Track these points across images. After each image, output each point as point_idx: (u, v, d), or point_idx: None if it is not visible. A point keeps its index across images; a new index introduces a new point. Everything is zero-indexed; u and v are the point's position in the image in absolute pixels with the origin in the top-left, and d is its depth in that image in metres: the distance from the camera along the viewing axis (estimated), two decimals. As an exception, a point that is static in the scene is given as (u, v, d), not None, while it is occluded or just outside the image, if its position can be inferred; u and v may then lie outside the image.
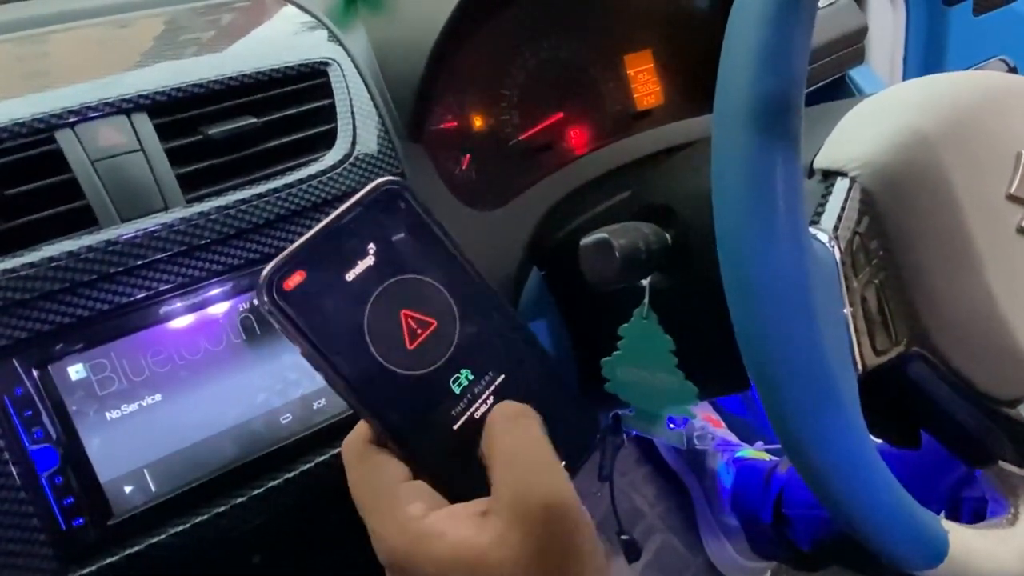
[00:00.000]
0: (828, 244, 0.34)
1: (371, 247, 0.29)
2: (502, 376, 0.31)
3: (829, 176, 0.38)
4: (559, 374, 0.32)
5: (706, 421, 1.10)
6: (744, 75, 0.30)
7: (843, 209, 0.36)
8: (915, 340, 0.37)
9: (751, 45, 0.29)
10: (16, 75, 0.54)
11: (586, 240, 0.44)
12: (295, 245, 0.28)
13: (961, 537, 0.35)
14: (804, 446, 0.31)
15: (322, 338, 0.28)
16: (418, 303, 0.30)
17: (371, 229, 0.30)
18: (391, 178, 0.30)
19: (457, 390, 0.30)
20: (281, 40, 0.57)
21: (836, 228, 0.35)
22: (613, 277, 0.43)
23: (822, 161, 0.38)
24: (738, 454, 1.06)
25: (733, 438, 1.09)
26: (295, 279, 0.28)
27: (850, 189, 0.36)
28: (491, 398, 0.30)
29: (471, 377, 0.30)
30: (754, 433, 1.11)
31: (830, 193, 0.37)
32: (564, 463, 0.30)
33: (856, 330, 0.34)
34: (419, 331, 0.29)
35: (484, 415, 0.30)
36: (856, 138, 0.38)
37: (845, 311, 0.34)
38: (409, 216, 0.30)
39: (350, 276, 0.29)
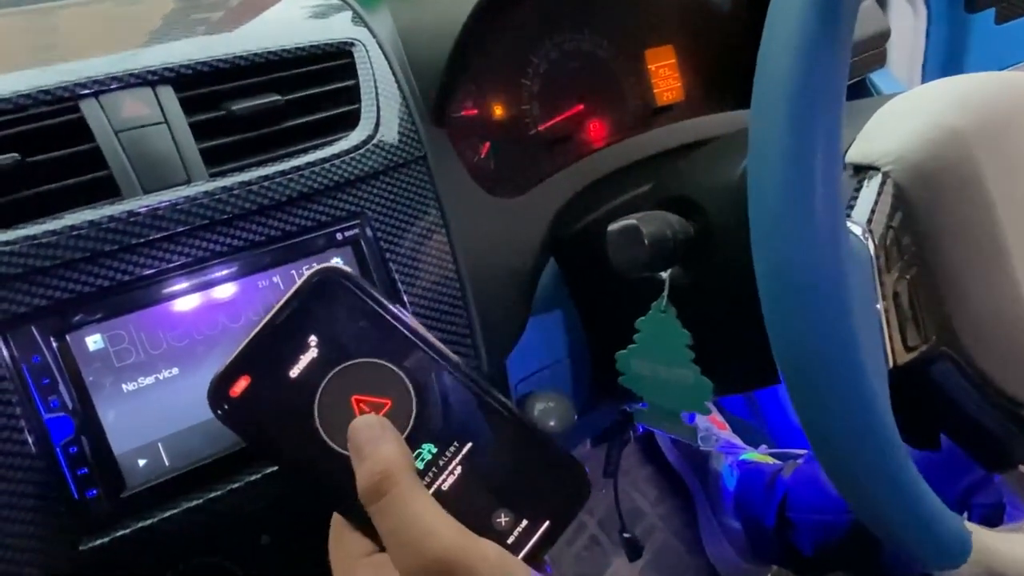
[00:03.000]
0: (862, 237, 0.34)
1: (312, 339, 0.29)
2: (469, 444, 0.30)
3: (861, 171, 0.38)
4: (537, 430, 0.31)
5: (711, 423, 1.10)
6: (786, 64, 0.29)
7: (876, 203, 0.35)
8: (943, 338, 0.36)
9: (793, 35, 0.29)
10: (27, 47, 0.53)
11: (614, 226, 0.43)
12: (237, 350, 0.29)
13: (983, 539, 0.35)
14: (832, 441, 0.31)
15: (275, 438, 0.29)
16: (368, 386, 0.30)
17: (310, 321, 0.30)
18: (326, 265, 0.30)
19: (420, 465, 0.30)
20: (307, 19, 0.57)
21: (870, 221, 0.34)
22: (641, 264, 0.43)
23: (854, 156, 0.38)
24: (742, 457, 1.06)
25: (738, 441, 1.09)
26: (240, 384, 0.29)
27: (883, 184, 0.36)
28: (459, 468, 0.30)
29: (434, 451, 0.30)
30: (759, 436, 1.11)
31: (862, 187, 0.37)
32: (551, 522, 0.30)
33: (888, 325, 0.33)
34: (373, 413, 0.30)
35: (453, 486, 0.30)
36: (889, 133, 0.38)
37: (878, 306, 0.33)
38: (349, 299, 0.30)
39: (294, 372, 0.29)
